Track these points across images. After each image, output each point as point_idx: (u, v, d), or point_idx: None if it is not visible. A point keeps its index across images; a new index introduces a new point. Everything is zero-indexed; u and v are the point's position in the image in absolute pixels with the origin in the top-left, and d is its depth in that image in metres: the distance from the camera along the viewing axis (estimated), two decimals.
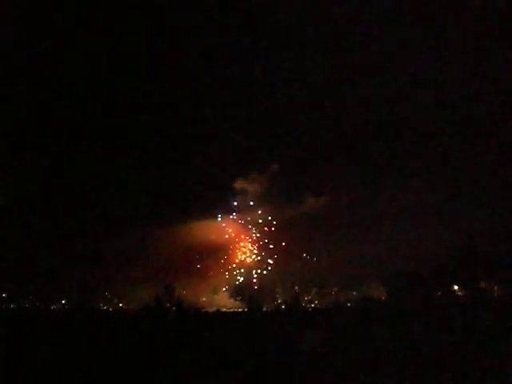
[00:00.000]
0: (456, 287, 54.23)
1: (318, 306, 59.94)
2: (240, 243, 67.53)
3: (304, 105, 67.69)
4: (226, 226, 67.25)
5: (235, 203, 67.42)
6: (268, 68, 68.56)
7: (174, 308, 48.65)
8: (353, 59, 64.34)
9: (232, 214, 67.50)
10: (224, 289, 63.65)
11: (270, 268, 65.65)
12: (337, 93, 65.48)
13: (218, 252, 66.22)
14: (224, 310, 57.08)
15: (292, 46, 67.35)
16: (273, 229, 66.62)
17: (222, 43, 67.87)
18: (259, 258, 66.64)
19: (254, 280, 65.17)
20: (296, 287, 61.97)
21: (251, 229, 67.46)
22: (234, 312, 55.78)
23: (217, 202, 66.93)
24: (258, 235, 67.22)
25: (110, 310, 62.26)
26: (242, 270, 66.09)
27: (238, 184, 66.27)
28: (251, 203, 67.07)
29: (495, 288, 52.83)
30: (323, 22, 65.16)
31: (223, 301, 61.81)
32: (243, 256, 67.06)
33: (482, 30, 58.54)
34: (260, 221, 67.06)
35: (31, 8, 60.50)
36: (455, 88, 61.45)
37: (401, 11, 61.91)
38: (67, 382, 17.25)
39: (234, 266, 66.39)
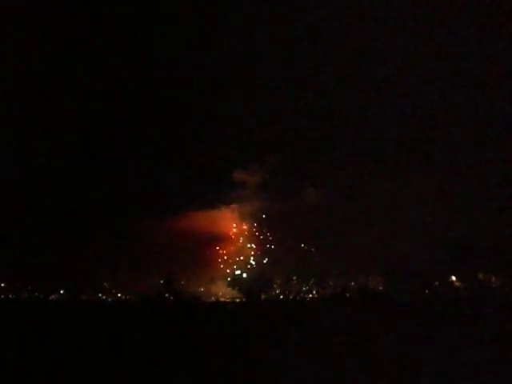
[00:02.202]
0: (454, 278, 54.43)
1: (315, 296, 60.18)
2: (239, 234, 67.61)
3: (304, 96, 67.51)
4: (224, 217, 67.26)
5: (234, 194, 67.39)
6: (267, 61, 68.30)
7: (171, 298, 48.85)
8: (354, 51, 64.14)
9: (231, 205, 67.51)
10: (222, 279, 63.82)
11: (268, 258, 65.77)
12: (337, 86, 65.34)
13: (217, 242, 66.32)
14: (222, 299, 57.37)
15: (289, 41, 67.14)
16: (271, 220, 66.65)
17: (223, 39, 67.64)
18: (258, 248, 66.76)
19: (253, 270, 65.30)
20: (294, 277, 62.12)
21: (250, 220, 67.52)
22: (232, 302, 56.02)
23: (216, 193, 66.87)
24: (256, 226, 67.29)
25: (109, 300, 62.42)
26: (241, 261, 66.22)
27: (238, 175, 66.20)
28: (250, 194, 67.05)
29: (493, 279, 53.00)
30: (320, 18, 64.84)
31: (221, 291, 61.99)
32: (242, 246, 67.16)
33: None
34: (259, 212, 67.07)
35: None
36: (456, 82, 61.35)
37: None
38: (65, 371, 17.27)
39: (233, 256, 66.51)
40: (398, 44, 63.87)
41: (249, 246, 66.96)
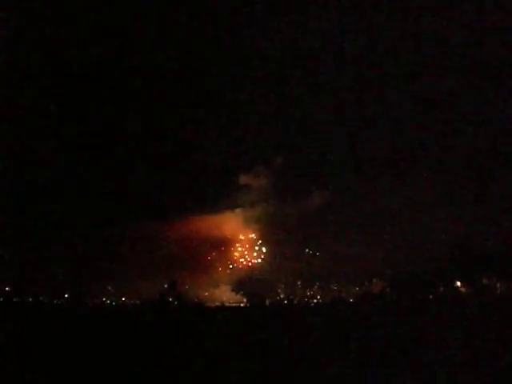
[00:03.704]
0: (458, 283, 54.25)
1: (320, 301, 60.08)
2: (243, 238, 67.53)
3: (309, 100, 67.38)
4: (229, 221, 67.19)
5: (239, 198, 67.29)
6: (273, 61, 68.12)
7: (176, 303, 48.85)
8: (358, 54, 64.13)
9: (236, 209, 67.44)
10: (226, 283, 63.78)
11: (272, 263, 65.67)
12: (341, 89, 65.23)
13: (221, 247, 66.24)
14: (226, 304, 57.33)
15: (297, 39, 66.91)
16: (276, 223, 66.53)
17: (225, 34, 67.49)
18: (262, 252, 66.66)
19: (257, 274, 65.22)
20: (298, 282, 62.06)
21: (254, 224, 67.42)
22: (236, 306, 56.04)
23: (220, 197, 66.75)
24: (261, 230, 67.18)
25: (113, 304, 62.46)
26: (245, 265, 66.17)
27: (242, 178, 66.14)
28: (255, 198, 66.95)
29: (498, 284, 52.81)
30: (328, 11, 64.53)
31: (226, 295, 61.95)
32: (246, 251, 67.08)
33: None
34: (263, 216, 66.95)
35: None
36: (450, 86, 61.30)
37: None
38: (69, 375, 17.32)
39: (237, 260, 66.47)
40: (400, 46, 63.75)
41: (253, 250, 66.91)
